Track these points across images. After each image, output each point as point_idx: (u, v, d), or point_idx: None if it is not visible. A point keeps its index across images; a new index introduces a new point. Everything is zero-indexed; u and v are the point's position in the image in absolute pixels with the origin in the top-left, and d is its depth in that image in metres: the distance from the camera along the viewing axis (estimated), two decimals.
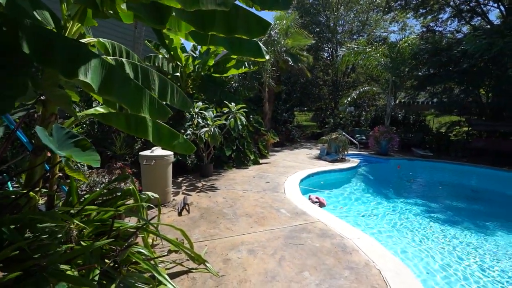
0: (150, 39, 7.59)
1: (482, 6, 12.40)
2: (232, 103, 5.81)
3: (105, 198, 2.65)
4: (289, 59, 9.85)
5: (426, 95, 14.97)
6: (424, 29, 15.16)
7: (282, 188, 5.16)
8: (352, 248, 2.96)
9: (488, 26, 11.54)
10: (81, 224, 1.83)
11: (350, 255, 2.81)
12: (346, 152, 8.77)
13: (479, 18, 12.97)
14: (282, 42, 9.30)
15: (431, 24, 14.93)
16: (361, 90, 12.54)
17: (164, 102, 2.75)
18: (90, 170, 3.93)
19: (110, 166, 3.36)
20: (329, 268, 2.56)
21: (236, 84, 8.51)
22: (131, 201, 2.56)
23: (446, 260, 3.44)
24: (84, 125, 5.39)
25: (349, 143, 9.21)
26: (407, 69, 11.83)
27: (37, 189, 2.11)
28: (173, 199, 4.47)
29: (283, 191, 4.97)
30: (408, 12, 15.00)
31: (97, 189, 3.07)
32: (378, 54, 10.80)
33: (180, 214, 3.86)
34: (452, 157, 10.52)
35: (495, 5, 11.97)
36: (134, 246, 2.06)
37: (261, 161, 7.65)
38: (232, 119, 5.58)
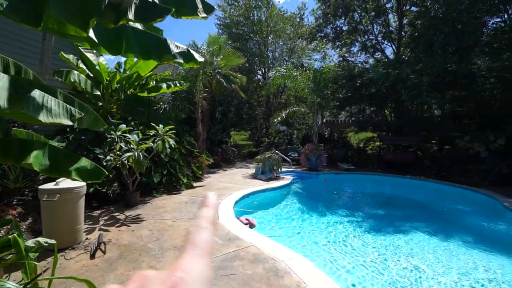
0: (69, 52, 6.68)
1: (381, 43, 15.13)
2: (160, 125, 5.44)
3: None
4: (223, 80, 9.98)
5: (346, 114, 17.07)
6: (341, 59, 17.56)
7: None
8: (284, 270, 2.93)
9: (386, 60, 14.05)
10: None
11: (282, 279, 2.77)
12: (280, 170, 9.10)
13: (379, 53, 15.73)
14: (215, 64, 9.38)
15: (346, 55, 17.40)
16: (290, 110, 13.46)
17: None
18: None
19: None
20: None
21: (166, 105, 8.10)
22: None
23: (373, 271, 3.73)
24: None
25: (282, 161, 9.61)
26: (329, 92, 13.31)
27: None
28: (86, 238, 3.79)
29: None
30: (327, 43, 17.24)
31: None
32: (304, 79, 11.88)
33: (93, 256, 3.26)
34: (370, 169, 12.00)
35: (389, 44, 14.80)
36: None
37: (195, 184, 7.28)
38: (159, 142, 5.19)
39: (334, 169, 11.69)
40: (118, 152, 5.11)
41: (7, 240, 1.87)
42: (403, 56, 13.63)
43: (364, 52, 16.52)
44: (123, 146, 5.13)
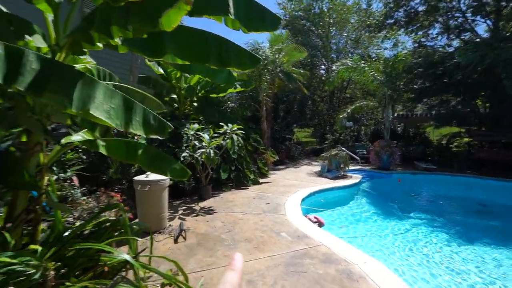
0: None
1: (469, 21, 12.69)
2: (229, 123, 5.76)
3: (95, 229, 2.52)
4: (284, 77, 9.95)
5: (424, 107, 15.02)
6: (416, 45, 15.45)
7: (282, 209, 4.98)
8: (359, 274, 2.76)
9: (478, 40, 11.75)
10: (50, 264, 1.64)
11: (357, 283, 2.62)
12: (347, 168, 8.61)
13: (468, 32, 13.23)
14: (277, 62, 9.43)
15: (422, 40, 15.24)
16: (356, 105, 12.58)
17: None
18: (84, 198, 3.78)
19: (99, 195, 3.21)
20: None
21: (233, 104, 8.53)
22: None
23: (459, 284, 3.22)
24: (80, 150, 5.30)
25: (349, 158, 9.07)
26: (402, 83, 11.94)
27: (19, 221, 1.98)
28: (169, 225, 4.29)
29: (283, 212, 4.79)
30: (398, 29, 15.39)
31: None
32: (373, 70, 10.93)
33: (176, 241, 3.68)
34: (456, 169, 10.29)
35: (482, 20, 12.27)
36: (121, 284, 1.89)
37: (261, 180, 7.48)
38: (228, 140, 5.50)
39: (410, 168, 10.47)
40: (193, 149, 5.63)
41: (117, 221, 2.25)
42: (504, 32, 11.19)
43: (446, 34, 14.16)
44: (197, 144, 5.61)
